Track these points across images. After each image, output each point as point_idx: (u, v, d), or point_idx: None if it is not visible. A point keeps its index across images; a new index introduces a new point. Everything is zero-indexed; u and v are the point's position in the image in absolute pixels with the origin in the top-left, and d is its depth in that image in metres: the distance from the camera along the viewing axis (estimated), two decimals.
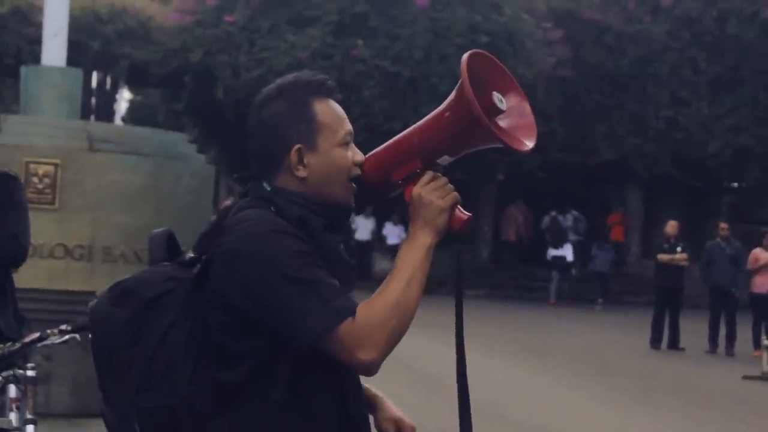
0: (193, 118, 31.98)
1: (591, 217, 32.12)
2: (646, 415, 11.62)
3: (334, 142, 2.62)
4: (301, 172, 2.61)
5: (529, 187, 31.92)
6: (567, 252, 28.12)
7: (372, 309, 2.46)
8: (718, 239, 18.55)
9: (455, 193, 2.56)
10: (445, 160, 2.58)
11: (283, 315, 2.45)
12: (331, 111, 2.65)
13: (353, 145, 2.67)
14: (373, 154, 2.64)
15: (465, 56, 2.50)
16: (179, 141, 10.30)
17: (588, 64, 28.23)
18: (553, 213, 29.58)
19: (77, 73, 10.99)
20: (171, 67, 26.54)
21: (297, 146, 2.60)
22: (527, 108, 2.62)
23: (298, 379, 2.53)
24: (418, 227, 2.54)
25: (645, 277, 26.75)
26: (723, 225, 18.59)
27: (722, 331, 17.90)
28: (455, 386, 2.90)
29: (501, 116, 2.56)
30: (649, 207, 30.15)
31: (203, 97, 26.92)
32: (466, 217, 2.57)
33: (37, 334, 4.40)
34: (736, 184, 32.81)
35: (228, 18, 25.99)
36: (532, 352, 16.45)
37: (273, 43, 25.45)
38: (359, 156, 2.65)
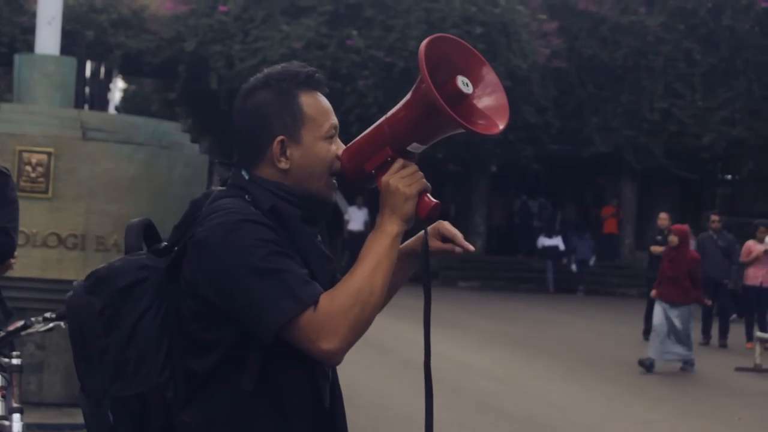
0: (187, 107, 31.96)
1: (585, 208, 32.19)
2: (638, 406, 11.63)
3: (318, 135, 2.61)
4: (283, 164, 2.61)
5: (523, 179, 31.96)
6: (558, 241, 28.58)
7: (334, 298, 2.44)
8: (710, 231, 18.57)
9: (423, 180, 2.54)
10: (415, 147, 2.54)
11: (247, 304, 2.45)
12: (317, 104, 2.63)
13: (338, 139, 2.66)
14: (349, 145, 2.62)
15: (423, 43, 2.46)
16: (173, 130, 10.28)
17: (583, 56, 28.24)
18: (524, 197, 30.16)
19: (71, 62, 10.95)
20: (165, 57, 26.50)
21: (280, 137, 2.60)
22: (498, 87, 2.59)
23: (269, 369, 2.51)
24: (385, 215, 2.52)
25: (638, 269, 26.80)
26: (714, 217, 18.61)
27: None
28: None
29: (470, 98, 2.52)
30: (643, 199, 30.18)
31: (197, 87, 26.89)
32: (432, 204, 2.53)
33: (21, 323, 4.39)
34: (729, 177, 32.85)
35: (222, 8, 25.96)
36: (525, 344, 16.47)
37: (267, 33, 25.42)
38: (340, 150, 2.65)
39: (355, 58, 25.18)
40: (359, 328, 2.44)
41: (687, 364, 14.34)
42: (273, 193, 2.58)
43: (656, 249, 18.41)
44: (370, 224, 28.35)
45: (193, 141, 10.95)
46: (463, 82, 2.49)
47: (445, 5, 25.68)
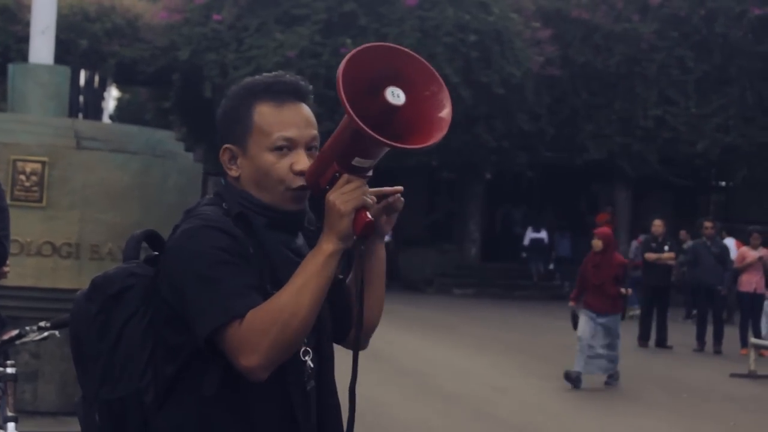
0: (181, 116, 31.95)
1: (579, 215, 32.21)
2: (634, 413, 11.64)
3: (264, 146, 2.58)
4: (233, 172, 2.63)
5: (518, 186, 31.99)
6: (544, 235, 29.64)
7: (257, 314, 2.42)
8: (704, 238, 18.60)
9: (363, 196, 2.44)
10: (360, 162, 2.46)
11: (188, 309, 2.48)
12: (272, 115, 2.59)
13: (301, 152, 2.60)
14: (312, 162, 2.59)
15: (343, 62, 2.40)
16: (167, 139, 10.29)
17: (576, 64, 28.28)
18: (508, 206, 31.81)
19: (65, 71, 10.96)
20: (159, 66, 26.52)
21: (226, 146, 2.63)
22: (438, 93, 2.46)
23: (233, 375, 2.50)
24: (324, 233, 2.48)
25: (632, 276, 26.78)
26: (707, 224, 18.63)
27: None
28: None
29: (406, 108, 2.41)
30: (637, 206, 30.21)
31: (191, 96, 26.89)
32: (366, 221, 2.43)
33: (15, 332, 4.39)
34: (723, 183, 32.90)
35: (216, 16, 25.98)
36: (520, 350, 16.47)
37: (261, 41, 25.45)
38: (299, 165, 2.58)
39: None
40: (280, 346, 2.42)
41: (611, 378, 13.27)
42: (240, 200, 2.60)
43: (651, 256, 18.45)
44: None
45: (188, 150, 10.96)
46: (392, 94, 2.39)
47: (439, 13, 25.72)
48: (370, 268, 2.72)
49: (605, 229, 14.10)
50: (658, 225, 18.78)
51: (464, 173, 29.43)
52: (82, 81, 30.96)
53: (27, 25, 15.35)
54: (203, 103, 26.48)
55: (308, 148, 2.62)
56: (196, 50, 25.97)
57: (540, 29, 27.79)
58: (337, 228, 2.44)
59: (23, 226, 8.24)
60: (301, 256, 2.59)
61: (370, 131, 2.32)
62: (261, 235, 2.58)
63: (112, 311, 2.64)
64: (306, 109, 2.65)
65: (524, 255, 30.38)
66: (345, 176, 2.46)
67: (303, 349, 2.60)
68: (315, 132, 2.64)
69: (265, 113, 2.59)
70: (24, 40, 18.84)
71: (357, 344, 2.60)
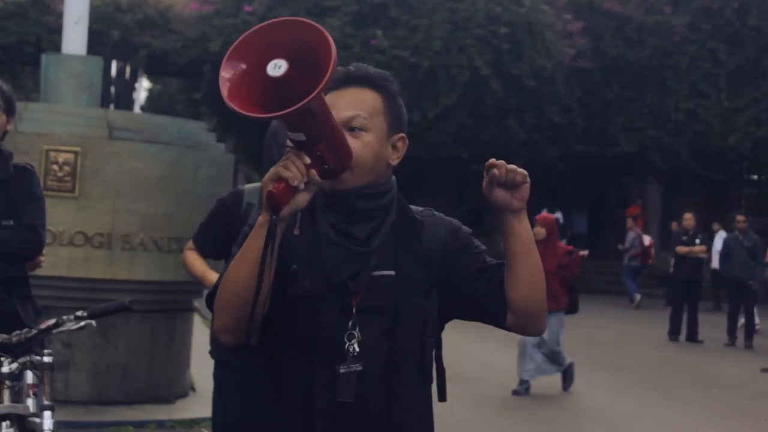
0: (212, 107, 31.98)
1: (609, 209, 32.12)
2: (664, 407, 11.60)
3: None
4: None
5: (548, 179, 31.89)
6: (559, 215, 29.65)
7: (219, 284, 2.66)
8: (736, 231, 18.50)
9: (280, 169, 2.49)
10: (293, 135, 2.53)
11: None
12: (326, 101, 2.67)
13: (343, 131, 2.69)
14: None
15: (229, 51, 2.53)
16: (198, 130, 10.31)
17: (608, 56, 28.16)
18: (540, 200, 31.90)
19: (98, 61, 11.00)
20: (190, 57, 26.57)
21: None
22: (320, 51, 2.43)
23: (274, 347, 2.68)
24: None
25: (664, 270, 26.69)
26: (740, 217, 18.54)
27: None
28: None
29: (292, 74, 2.42)
30: (668, 199, 30.07)
31: None
32: (267, 192, 2.49)
33: (53, 321, 4.42)
34: (755, 177, 32.69)
35: (247, 8, 26.00)
36: None
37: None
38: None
39: (380, 58, 25.18)
40: (228, 311, 2.59)
41: (522, 386, 11.62)
42: None
43: (682, 249, 18.37)
44: None
45: (219, 140, 10.98)
46: (274, 66, 2.43)
47: (470, 5, 25.65)
48: (508, 247, 2.74)
49: (547, 215, 13.18)
50: (688, 218, 18.70)
51: None
52: (113, 72, 31.07)
53: (59, 16, 15.41)
54: None
55: (351, 129, 2.69)
56: (227, 41, 25.98)
57: (571, 21, 27.69)
58: (263, 198, 2.54)
59: (56, 215, 8.28)
60: (352, 238, 2.66)
61: (233, 106, 2.41)
62: (316, 215, 2.69)
63: None
64: (354, 93, 2.72)
65: None
66: (288, 150, 2.53)
67: (348, 332, 2.63)
68: (356, 113, 2.70)
69: (326, 100, 2.68)
70: (56, 31, 18.95)
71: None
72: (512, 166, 2.70)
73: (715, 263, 21.97)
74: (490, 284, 2.78)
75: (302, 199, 2.52)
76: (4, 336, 4.30)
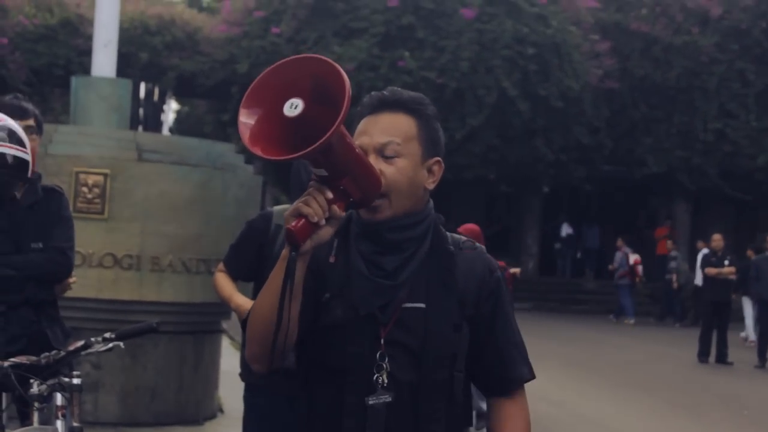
0: None
1: (638, 230, 31.98)
2: (693, 429, 11.52)
3: None
4: None
5: (575, 200, 31.83)
6: (569, 229, 31.00)
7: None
8: (766, 252, 18.39)
9: (302, 205, 2.48)
10: (316, 171, 2.53)
11: None
12: (360, 126, 2.74)
13: (372, 157, 2.68)
14: None
15: (252, 85, 2.49)
16: (227, 151, 10.33)
17: (635, 76, 28.10)
18: (553, 223, 31.98)
19: (127, 83, 11.06)
20: (218, 79, 26.70)
21: None
22: (334, 89, 2.42)
23: (308, 370, 2.72)
24: None
25: (692, 291, 26.54)
26: None
27: None
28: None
29: (309, 113, 2.41)
30: (697, 220, 29.94)
31: None
32: (286, 230, 2.49)
33: (81, 342, 4.42)
34: None
35: (275, 29, 26.11)
36: (578, 365, 16.36)
37: (319, 54, 25.52)
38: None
39: (407, 80, 25.22)
40: (257, 341, 2.61)
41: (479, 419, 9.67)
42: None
43: (711, 270, 18.27)
44: None
45: (247, 162, 11.00)
46: (291, 105, 2.42)
47: (497, 26, 25.67)
48: None
49: (470, 226, 12.94)
50: (717, 239, 18.61)
51: (522, 187, 29.33)
52: (142, 94, 31.23)
53: (89, 38, 15.53)
54: None
55: (385, 156, 2.69)
56: (255, 63, 26.11)
57: (599, 42, 27.66)
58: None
59: (85, 237, 8.31)
60: (381, 270, 2.65)
61: (256, 151, 2.40)
62: (350, 242, 2.70)
63: None
64: (388, 118, 2.72)
65: (557, 246, 31.31)
66: (312, 184, 2.53)
67: (376, 363, 2.62)
68: (389, 139, 2.69)
69: (360, 126, 2.74)
70: (86, 53, 19.08)
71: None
72: None
73: (697, 280, 22.82)
74: (490, 377, 2.82)
75: (325, 233, 2.51)
76: (34, 358, 4.32)
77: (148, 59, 26.07)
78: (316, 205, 2.47)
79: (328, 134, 2.34)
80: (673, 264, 26.49)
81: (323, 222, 2.49)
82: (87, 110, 10.35)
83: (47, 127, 7.59)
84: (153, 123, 33.56)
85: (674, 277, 26.26)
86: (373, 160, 2.65)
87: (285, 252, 2.53)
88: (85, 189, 8.80)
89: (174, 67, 26.57)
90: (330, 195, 2.49)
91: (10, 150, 4.62)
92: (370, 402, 2.62)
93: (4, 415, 4.65)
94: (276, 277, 2.54)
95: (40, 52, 25.54)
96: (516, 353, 2.83)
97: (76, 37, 25.41)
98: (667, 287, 26.65)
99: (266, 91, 2.47)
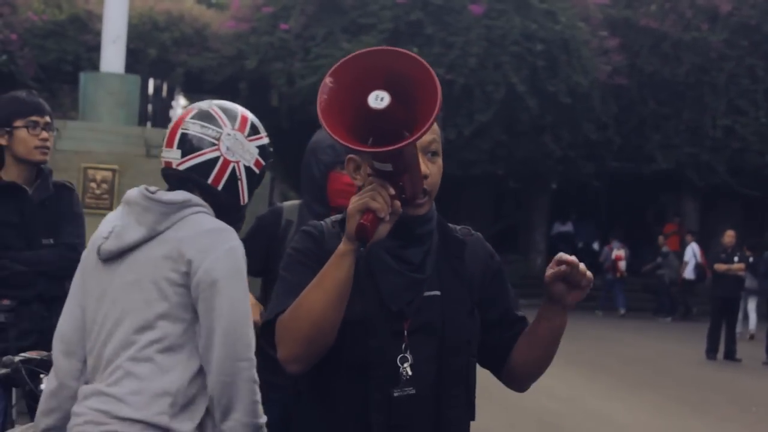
0: None
1: (646, 226, 31.94)
2: (700, 426, 11.51)
3: None
4: (358, 181, 2.69)
5: (584, 197, 31.79)
6: (570, 227, 31.05)
7: (287, 311, 2.57)
8: None
9: (370, 200, 2.47)
10: (379, 165, 2.51)
11: None
12: None
13: (422, 155, 2.67)
14: None
15: (326, 77, 2.44)
16: None
17: (644, 73, 28.05)
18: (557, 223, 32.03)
19: (135, 79, 11.10)
20: (226, 75, 26.71)
21: (349, 156, 2.70)
22: (426, 89, 2.42)
23: (323, 373, 2.62)
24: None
25: (700, 287, 26.52)
26: None
27: None
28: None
29: (394, 107, 2.39)
30: (705, 217, 29.89)
31: (258, 104, 27.01)
32: (360, 225, 2.46)
33: None
34: None
35: (283, 25, 26.10)
36: (586, 362, 16.35)
37: (328, 50, 25.52)
38: (424, 168, 2.66)
39: None
40: (300, 341, 2.52)
41: None
42: None
43: (721, 267, 18.25)
44: None
45: None
46: (376, 97, 2.39)
47: (506, 22, 25.64)
48: (538, 330, 2.82)
49: None
50: (730, 236, 18.59)
51: (530, 183, 29.29)
52: (150, 90, 31.25)
53: (97, 34, 15.54)
54: (270, 112, 26.62)
55: (431, 153, 2.70)
56: (264, 59, 26.12)
57: (607, 38, 27.61)
58: (347, 228, 2.50)
59: (94, 233, 8.32)
60: (408, 264, 2.65)
61: (338, 138, 2.37)
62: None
63: None
64: None
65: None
66: (369, 179, 2.54)
67: (401, 355, 2.62)
68: (433, 136, 2.70)
69: None
70: (94, 49, 19.10)
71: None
72: (583, 268, 2.69)
73: (688, 274, 25.25)
74: (503, 335, 2.84)
75: (384, 230, 2.52)
76: (44, 353, 4.33)
77: (157, 55, 26.08)
78: (381, 200, 2.47)
79: (422, 131, 2.34)
80: (662, 259, 26.90)
81: (388, 218, 2.49)
82: (95, 106, 10.38)
83: (56, 123, 7.61)
84: (161, 119, 33.57)
85: (665, 272, 26.78)
86: (420, 158, 2.65)
87: (343, 248, 2.50)
88: (93, 185, 8.83)
89: (182, 63, 26.58)
90: (392, 191, 2.49)
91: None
92: (396, 395, 2.62)
93: (14, 410, 4.67)
94: (332, 274, 2.50)
95: (49, 48, 25.56)
96: (518, 317, 2.92)
97: (84, 33, 25.42)
98: (659, 282, 27.01)
99: (347, 73, 2.45)
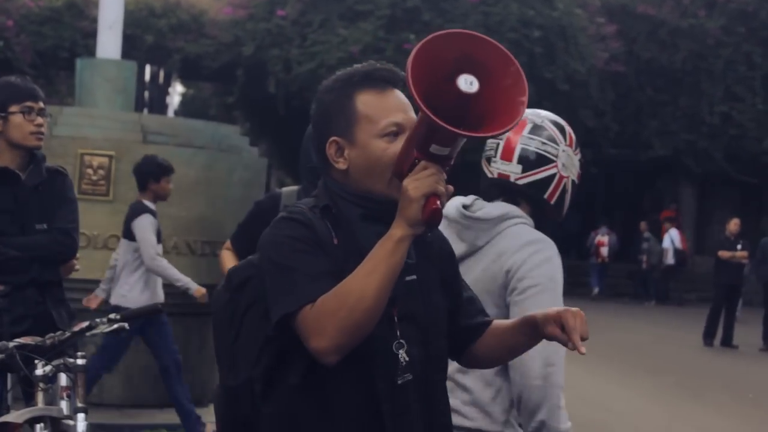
0: (245, 111, 32.13)
1: (643, 213, 31.94)
2: (697, 412, 11.53)
3: (373, 133, 2.58)
4: (341, 164, 2.60)
5: (581, 182, 31.77)
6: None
7: (327, 298, 2.43)
8: None
9: (436, 184, 2.42)
10: (437, 149, 2.43)
11: (268, 297, 2.52)
12: (376, 102, 2.61)
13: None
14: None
15: (414, 50, 2.39)
16: (232, 134, 10.33)
17: (641, 59, 28.04)
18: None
19: (132, 66, 11.06)
20: (223, 61, 26.68)
21: (332, 138, 2.61)
22: (514, 79, 2.46)
23: (318, 366, 2.50)
24: (396, 218, 2.46)
25: (697, 274, 26.56)
26: None
27: None
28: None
29: (481, 95, 2.39)
30: (702, 203, 29.91)
31: (255, 91, 27.02)
32: (433, 208, 2.40)
33: (86, 323, 4.43)
34: None
35: (280, 12, 26.07)
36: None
37: (325, 37, 25.50)
38: None
39: None
40: (347, 330, 2.41)
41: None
42: (337, 194, 2.60)
43: (724, 254, 18.23)
44: None
45: (252, 144, 10.99)
46: (466, 81, 2.37)
47: (503, 9, 25.61)
48: (513, 338, 2.79)
49: None
50: (735, 224, 18.58)
51: None
52: (147, 76, 31.23)
53: (94, 20, 15.51)
54: (267, 99, 26.60)
55: None
56: (260, 46, 26.08)
57: (605, 25, 27.59)
58: (406, 213, 2.42)
59: (90, 219, 8.32)
60: None
61: (440, 121, 2.30)
62: (353, 226, 2.58)
63: (238, 301, 2.68)
64: (403, 95, 2.65)
65: None
66: (422, 163, 2.44)
67: (396, 341, 2.57)
68: (415, 116, 2.63)
69: (368, 101, 2.60)
70: (91, 35, 19.05)
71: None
72: (584, 324, 2.74)
73: (669, 259, 26.25)
74: (462, 324, 2.80)
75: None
76: (39, 339, 4.32)
77: (154, 41, 26.05)
78: (443, 184, 2.44)
79: (515, 122, 2.38)
80: (645, 245, 27.13)
81: (446, 202, 2.48)
82: (92, 92, 10.35)
83: (52, 109, 7.60)
84: (158, 105, 33.57)
85: (644, 257, 27.21)
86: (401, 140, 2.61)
87: (401, 233, 2.42)
88: (90, 171, 8.81)
89: (179, 49, 26.55)
90: (444, 175, 2.46)
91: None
92: (399, 382, 2.57)
93: (9, 396, 4.67)
94: (386, 260, 2.42)
95: (46, 35, 25.54)
96: (479, 303, 2.88)
97: (81, 19, 25.39)
98: (639, 267, 27.57)
99: (429, 54, 2.42)
